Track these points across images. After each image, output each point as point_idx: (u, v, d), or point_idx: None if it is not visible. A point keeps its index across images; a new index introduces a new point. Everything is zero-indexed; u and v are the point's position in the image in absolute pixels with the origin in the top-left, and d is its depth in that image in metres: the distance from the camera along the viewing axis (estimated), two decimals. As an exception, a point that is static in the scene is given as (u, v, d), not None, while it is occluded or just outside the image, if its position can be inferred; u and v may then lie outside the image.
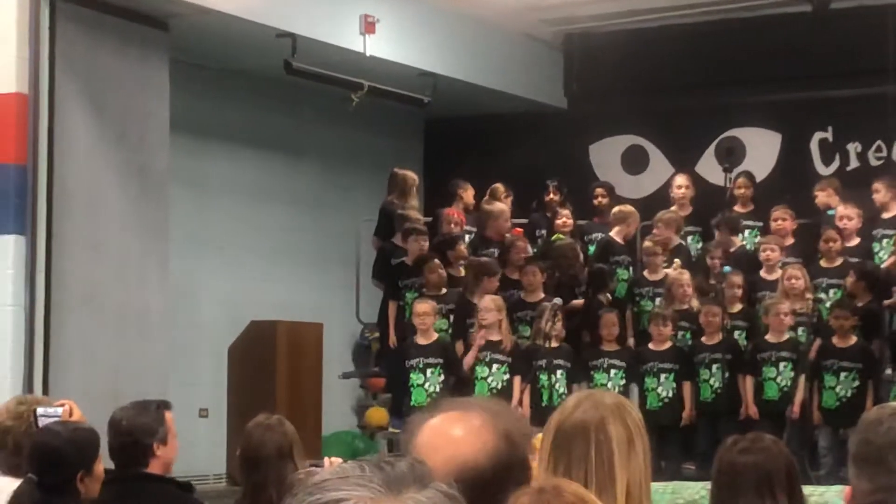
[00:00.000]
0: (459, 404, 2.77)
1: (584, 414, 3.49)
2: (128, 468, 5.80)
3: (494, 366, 12.86)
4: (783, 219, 13.85)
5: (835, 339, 12.59)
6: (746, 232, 14.42)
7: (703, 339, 12.95)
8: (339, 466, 1.75)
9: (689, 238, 14.47)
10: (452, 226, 14.37)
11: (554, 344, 12.74)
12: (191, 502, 5.96)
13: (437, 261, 13.48)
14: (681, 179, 14.79)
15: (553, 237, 14.46)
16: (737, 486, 4.41)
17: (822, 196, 14.30)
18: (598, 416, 3.46)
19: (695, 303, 13.34)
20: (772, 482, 4.35)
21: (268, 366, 13.90)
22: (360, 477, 1.71)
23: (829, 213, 14.02)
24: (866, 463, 3.65)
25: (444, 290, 13.41)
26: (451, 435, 2.67)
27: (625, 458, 3.38)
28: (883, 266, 13.45)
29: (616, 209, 14.47)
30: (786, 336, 12.71)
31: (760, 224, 14.28)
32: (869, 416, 3.92)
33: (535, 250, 14.54)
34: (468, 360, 12.86)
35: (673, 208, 14.50)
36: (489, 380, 12.84)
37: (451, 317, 13.38)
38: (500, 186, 14.81)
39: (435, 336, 13.01)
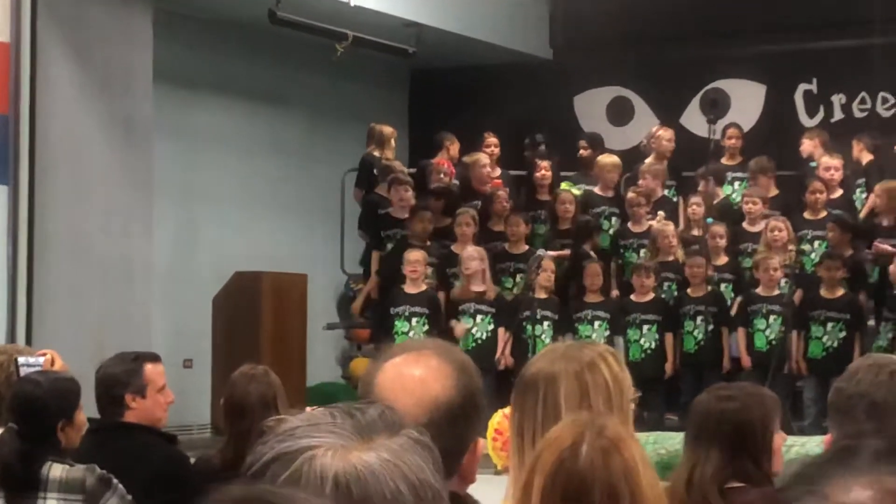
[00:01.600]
0: (408, 347, 2.79)
1: (539, 368, 3.44)
2: (106, 418, 5.83)
3: (479, 316, 12.88)
4: (755, 178, 13.81)
5: (823, 290, 12.63)
6: (736, 184, 14.42)
7: (689, 290, 12.98)
8: (310, 413, 1.75)
9: (667, 191, 14.47)
10: (442, 176, 14.39)
11: (542, 295, 12.77)
12: (173, 453, 5.96)
13: (428, 213, 13.52)
14: (669, 133, 14.71)
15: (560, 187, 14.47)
16: (687, 434, 4.41)
17: (808, 145, 14.31)
18: (551, 371, 3.40)
19: (679, 254, 13.36)
20: (710, 435, 4.26)
21: (252, 317, 13.88)
22: (330, 424, 1.71)
23: (812, 164, 14.04)
24: (837, 411, 3.67)
25: (428, 242, 13.44)
26: (417, 376, 2.68)
27: (573, 416, 3.27)
28: (861, 215, 13.51)
29: (601, 162, 14.48)
30: (777, 290, 12.75)
31: (748, 176, 14.29)
32: (850, 367, 3.95)
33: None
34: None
35: (649, 160, 14.49)
36: (474, 330, 12.87)
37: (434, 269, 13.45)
38: (486, 136, 14.80)
39: (424, 287, 13.03)
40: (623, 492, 2.92)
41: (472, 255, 12.91)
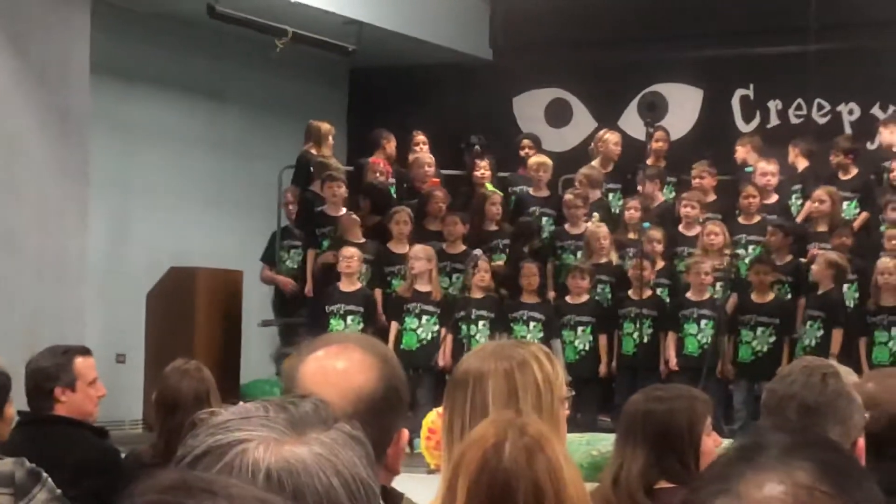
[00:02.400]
0: (330, 340, 2.81)
1: (469, 365, 3.47)
2: (36, 412, 5.78)
3: (424, 317, 12.86)
4: (701, 176, 13.94)
5: (753, 295, 12.71)
6: (665, 188, 14.50)
7: (630, 293, 13.00)
8: (243, 407, 1.73)
9: (611, 195, 14.52)
10: (378, 175, 14.37)
11: (478, 294, 12.78)
12: (103, 446, 5.92)
13: (353, 215, 13.51)
14: (616, 137, 14.73)
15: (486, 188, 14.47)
16: (617, 435, 4.46)
17: (742, 151, 14.40)
18: (480, 369, 3.42)
19: (613, 256, 13.40)
20: (636, 435, 4.30)
21: (187, 313, 13.82)
22: (263, 417, 1.70)
23: (747, 169, 14.13)
24: (769, 413, 3.71)
25: (363, 240, 13.42)
26: (340, 368, 2.70)
27: (495, 415, 3.29)
28: (798, 220, 13.61)
29: (528, 162, 14.52)
30: (707, 294, 12.82)
31: (675, 179, 14.38)
32: (784, 369, 3.98)
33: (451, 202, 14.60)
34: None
35: (594, 163, 14.52)
36: (419, 331, 12.84)
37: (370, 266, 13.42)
38: (415, 134, 14.80)
39: (359, 284, 13.02)
40: (548, 490, 2.94)
41: (419, 255, 12.89)
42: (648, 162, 14.40)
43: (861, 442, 3.46)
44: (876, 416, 3.79)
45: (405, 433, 2.71)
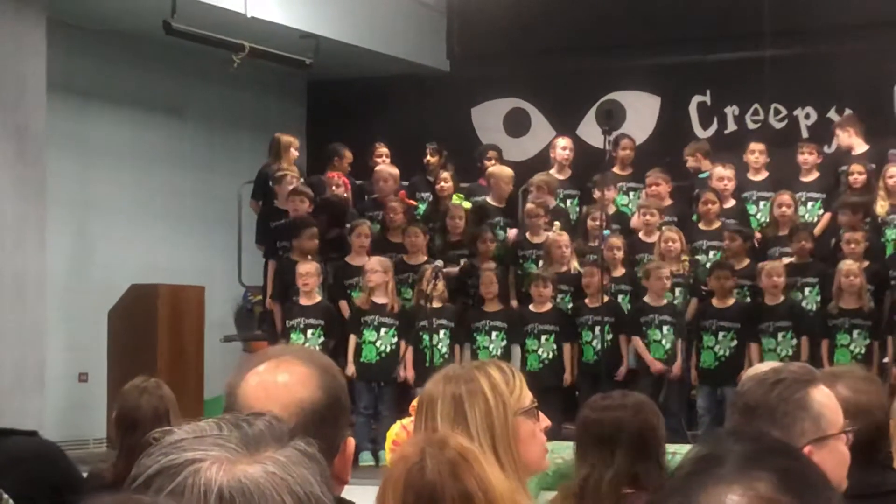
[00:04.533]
0: (269, 355, 2.81)
1: (426, 389, 3.63)
2: None
3: (382, 329, 12.85)
4: (657, 183, 13.98)
5: (714, 300, 12.74)
6: (631, 194, 14.54)
7: (587, 300, 13.03)
8: (197, 425, 1.73)
9: (569, 201, 14.56)
10: (334, 188, 14.36)
11: (436, 304, 12.78)
12: (48, 449, 5.90)
13: (314, 228, 13.47)
14: (564, 141, 14.84)
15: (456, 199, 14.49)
16: (579, 445, 4.50)
17: (692, 161, 14.49)
18: (432, 393, 3.58)
19: (574, 264, 13.42)
20: (609, 443, 4.36)
21: (149, 330, 13.76)
22: (217, 437, 1.69)
23: (702, 175, 14.20)
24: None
25: (309, 257, 13.39)
26: (280, 382, 2.71)
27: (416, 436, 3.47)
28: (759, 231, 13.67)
29: (487, 172, 14.54)
30: (666, 299, 12.85)
31: (641, 186, 14.42)
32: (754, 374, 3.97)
33: (419, 213, 14.60)
34: None
35: (552, 170, 14.58)
36: (378, 343, 12.83)
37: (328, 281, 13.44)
38: (377, 146, 14.81)
39: (318, 298, 13.00)
40: (479, 500, 3.00)
41: (375, 268, 12.88)
42: (615, 170, 14.46)
43: (809, 450, 3.40)
44: (859, 421, 3.76)
45: (351, 442, 2.72)
